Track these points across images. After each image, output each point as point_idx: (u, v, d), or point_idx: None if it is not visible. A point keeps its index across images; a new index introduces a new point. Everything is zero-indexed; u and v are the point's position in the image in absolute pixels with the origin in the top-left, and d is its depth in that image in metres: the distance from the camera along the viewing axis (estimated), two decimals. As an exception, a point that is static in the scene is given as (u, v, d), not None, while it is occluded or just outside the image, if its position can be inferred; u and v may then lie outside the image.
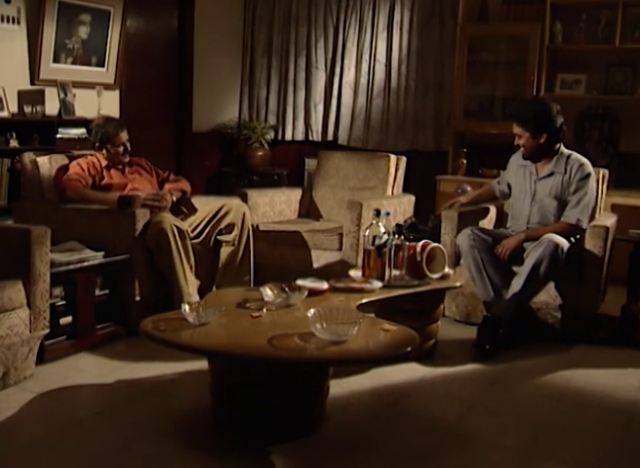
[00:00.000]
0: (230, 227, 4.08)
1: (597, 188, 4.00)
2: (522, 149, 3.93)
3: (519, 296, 3.64)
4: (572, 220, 3.80)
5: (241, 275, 4.09)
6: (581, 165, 3.87)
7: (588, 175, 3.85)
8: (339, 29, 6.32)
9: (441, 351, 3.57)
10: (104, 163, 4.14)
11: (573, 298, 3.81)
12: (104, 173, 4.12)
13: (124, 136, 4.16)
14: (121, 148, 4.14)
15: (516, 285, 3.66)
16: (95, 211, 3.84)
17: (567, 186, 3.86)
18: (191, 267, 3.81)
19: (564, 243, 3.67)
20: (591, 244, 3.78)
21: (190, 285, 3.77)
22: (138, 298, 3.71)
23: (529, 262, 3.63)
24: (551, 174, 3.90)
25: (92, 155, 4.16)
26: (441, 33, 5.93)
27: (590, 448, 2.67)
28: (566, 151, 3.94)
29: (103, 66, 5.38)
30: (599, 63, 5.44)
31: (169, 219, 3.77)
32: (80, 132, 4.94)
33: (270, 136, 6.56)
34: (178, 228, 3.75)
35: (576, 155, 3.93)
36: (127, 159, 4.20)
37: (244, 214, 4.12)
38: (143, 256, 3.74)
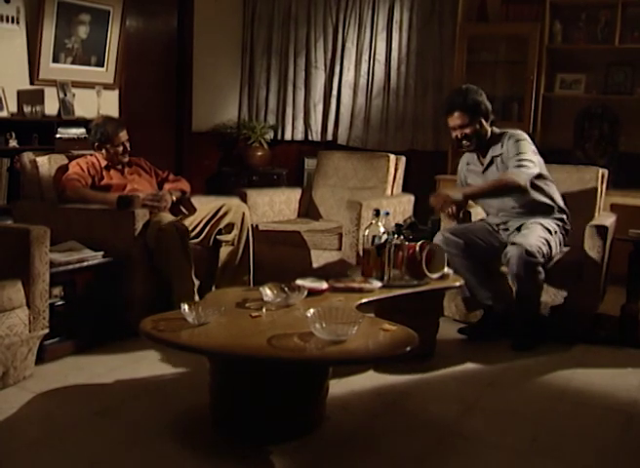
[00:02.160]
0: (230, 227, 4.08)
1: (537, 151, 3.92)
2: (466, 143, 3.85)
3: (527, 313, 3.71)
4: (507, 174, 3.73)
5: (240, 275, 4.09)
6: (511, 135, 3.83)
7: (519, 140, 3.79)
8: (338, 29, 6.32)
9: (440, 351, 3.57)
10: (104, 163, 4.14)
11: (572, 298, 3.82)
12: (104, 173, 4.12)
13: (123, 135, 4.15)
14: (120, 148, 4.14)
15: (519, 307, 3.72)
16: (94, 211, 3.84)
17: (507, 160, 3.80)
18: (191, 267, 3.81)
19: (532, 243, 3.60)
20: (591, 243, 3.77)
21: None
22: (138, 298, 3.71)
23: (513, 284, 3.66)
24: (492, 160, 3.87)
25: (91, 155, 4.16)
26: (440, 33, 5.93)
27: (590, 447, 2.67)
28: (497, 130, 3.90)
29: (103, 66, 5.38)
30: (598, 63, 5.44)
31: (168, 219, 3.76)
32: (79, 131, 4.94)
33: (270, 135, 6.56)
34: (177, 228, 3.75)
35: (508, 132, 3.87)
36: (126, 159, 4.20)
37: (243, 214, 4.11)
38: (143, 256, 3.73)
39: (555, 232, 3.77)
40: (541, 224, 3.75)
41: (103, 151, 4.14)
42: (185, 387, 3.10)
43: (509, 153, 3.78)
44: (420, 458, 2.53)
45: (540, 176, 3.83)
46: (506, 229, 3.89)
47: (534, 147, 3.86)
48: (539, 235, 3.67)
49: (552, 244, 3.72)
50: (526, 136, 3.87)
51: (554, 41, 5.44)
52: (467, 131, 3.81)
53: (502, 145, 3.82)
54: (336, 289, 3.18)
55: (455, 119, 3.82)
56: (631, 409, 2.99)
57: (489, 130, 3.87)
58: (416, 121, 6.10)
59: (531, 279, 3.60)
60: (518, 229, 3.82)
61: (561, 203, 3.91)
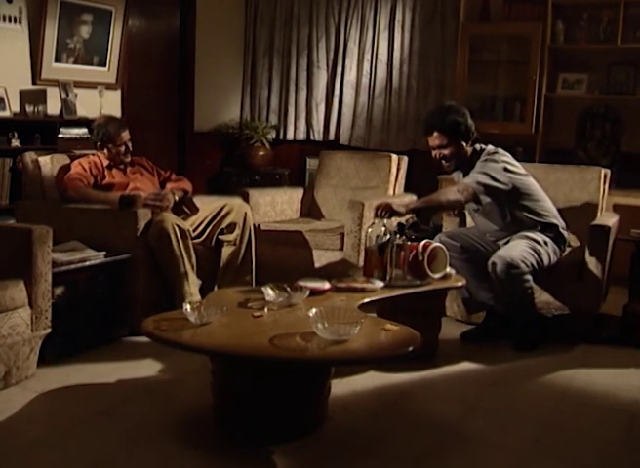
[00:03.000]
0: (232, 227, 4.08)
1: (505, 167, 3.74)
2: (446, 163, 3.80)
3: (523, 318, 3.70)
4: (450, 188, 3.71)
5: (242, 275, 4.09)
6: (485, 154, 3.75)
7: (486, 160, 3.72)
8: (340, 29, 6.32)
9: (442, 351, 3.57)
10: (106, 162, 4.14)
11: (574, 298, 3.81)
12: (106, 172, 4.12)
13: (125, 135, 4.16)
14: (122, 148, 4.14)
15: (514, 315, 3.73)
16: (96, 210, 3.84)
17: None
18: (193, 267, 3.81)
19: (515, 254, 3.56)
20: (593, 244, 3.77)
21: (192, 284, 3.77)
22: (140, 298, 3.71)
23: (501, 295, 3.67)
24: None
25: (93, 155, 4.17)
26: (443, 33, 5.92)
27: (592, 447, 2.66)
28: (479, 148, 3.82)
29: (105, 66, 5.38)
30: (601, 63, 5.43)
31: (170, 219, 3.77)
32: (82, 131, 4.94)
33: (272, 135, 6.56)
34: (179, 228, 3.75)
35: (485, 149, 3.79)
36: (128, 159, 4.20)
37: (245, 214, 4.11)
38: (145, 256, 3.74)
39: (545, 243, 3.71)
40: (528, 236, 3.69)
41: (105, 151, 4.14)
42: (187, 387, 3.10)
43: (473, 172, 3.72)
44: (421, 458, 2.53)
45: (521, 194, 3.75)
46: (497, 247, 3.80)
47: (504, 165, 3.71)
48: (523, 247, 3.62)
49: (543, 254, 3.67)
50: (499, 155, 3.75)
51: (556, 41, 5.43)
52: (446, 152, 3.75)
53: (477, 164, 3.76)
54: (338, 288, 3.18)
55: (433, 139, 3.76)
56: (634, 410, 2.98)
57: (469, 150, 3.79)
58: (418, 121, 6.07)
59: (517, 289, 3.59)
60: (507, 243, 3.76)
61: (551, 219, 3.79)
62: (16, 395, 2.92)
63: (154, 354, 3.37)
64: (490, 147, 3.84)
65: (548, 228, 3.78)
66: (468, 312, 3.96)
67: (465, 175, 3.80)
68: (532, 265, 3.60)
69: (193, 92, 6.34)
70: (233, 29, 6.64)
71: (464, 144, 3.77)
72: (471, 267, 3.75)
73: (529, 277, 3.61)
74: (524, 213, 3.78)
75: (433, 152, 3.82)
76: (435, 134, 3.74)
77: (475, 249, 3.80)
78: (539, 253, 3.65)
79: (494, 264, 3.58)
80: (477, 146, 3.83)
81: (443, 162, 3.82)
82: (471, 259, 3.76)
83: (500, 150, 3.81)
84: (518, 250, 3.61)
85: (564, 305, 3.82)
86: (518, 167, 3.80)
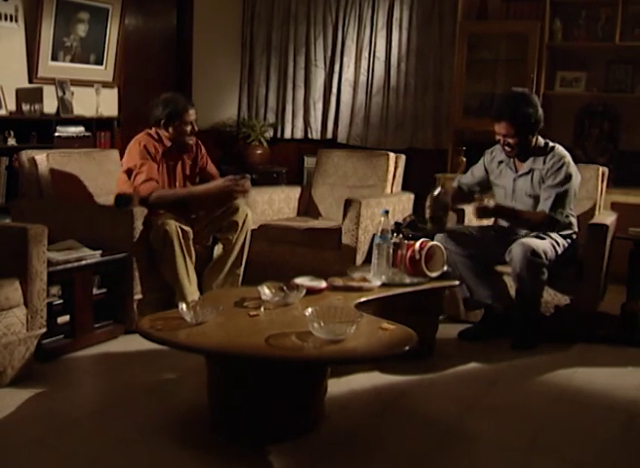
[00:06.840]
0: (231, 225, 4.06)
1: (578, 180, 3.84)
2: (508, 149, 3.78)
3: (527, 313, 3.69)
4: (548, 212, 3.68)
5: (233, 267, 4.06)
6: (555, 156, 3.75)
7: (567, 172, 3.72)
8: (338, 27, 6.31)
9: (440, 350, 3.56)
10: (167, 144, 3.95)
11: (572, 297, 3.80)
12: (159, 160, 3.95)
13: (193, 113, 3.98)
14: (189, 127, 3.99)
15: (519, 306, 3.71)
16: (93, 209, 3.84)
17: (544, 181, 3.74)
18: (193, 266, 3.80)
19: (539, 244, 3.61)
20: (591, 242, 3.76)
21: (193, 284, 3.78)
22: (136, 297, 3.70)
23: (515, 283, 3.66)
24: (530, 171, 3.80)
25: (145, 135, 3.94)
26: (440, 31, 5.91)
27: (590, 446, 2.66)
28: (542, 141, 3.82)
29: (102, 64, 5.37)
30: (599, 61, 5.43)
31: (173, 222, 3.72)
32: (78, 130, 4.93)
33: (269, 134, 6.55)
34: (182, 230, 3.73)
35: (555, 149, 3.79)
36: (192, 141, 4.07)
37: (246, 216, 4.09)
38: (142, 255, 3.72)
39: (564, 246, 3.75)
40: (550, 236, 3.72)
41: (170, 129, 3.95)
42: (184, 386, 3.10)
43: (550, 177, 3.70)
44: (420, 457, 2.52)
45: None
46: (503, 245, 3.79)
47: (574, 168, 3.76)
48: (545, 241, 3.66)
49: (559, 256, 3.71)
50: (569, 157, 3.77)
51: (554, 39, 5.42)
52: (511, 141, 3.74)
53: (545, 161, 3.75)
54: (334, 287, 3.18)
55: (501, 128, 3.73)
56: (632, 408, 2.98)
57: (534, 140, 3.78)
58: (415, 119, 6.08)
59: (533, 279, 3.59)
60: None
61: (574, 221, 3.86)
62: (11, 395, 2.91)
63: (150, 353, 3.35)
64: (560, 149, 3.80)
65: (571, 229, 3.82)
66: (466, 310, 3.95)
67: (522, 160, 3.81)
68: (550, 260, 3.62)
69: (190, 90, 6.32)
70: (231, 27, 6.63)
71: (530, 137, 3.75)
72: (472, 264, 3.74)
73: (545, 270, 3.61)
74: (568, 210, 3.80)
75: (497, 137, 3.79)
76: (504, 123, 3.71)
77: (477, 246, 3.79)
78: (557, 253, 3.68)
79: (515, 249, 3.58)
80: (542, 141, 3.81)
81: (506, 147, 3.80)
82: (473, 256, 3.75)
83: (569, 158, 3.77)
84: (541, 242, 3.63)
85: (562, 304, 3.82)
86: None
